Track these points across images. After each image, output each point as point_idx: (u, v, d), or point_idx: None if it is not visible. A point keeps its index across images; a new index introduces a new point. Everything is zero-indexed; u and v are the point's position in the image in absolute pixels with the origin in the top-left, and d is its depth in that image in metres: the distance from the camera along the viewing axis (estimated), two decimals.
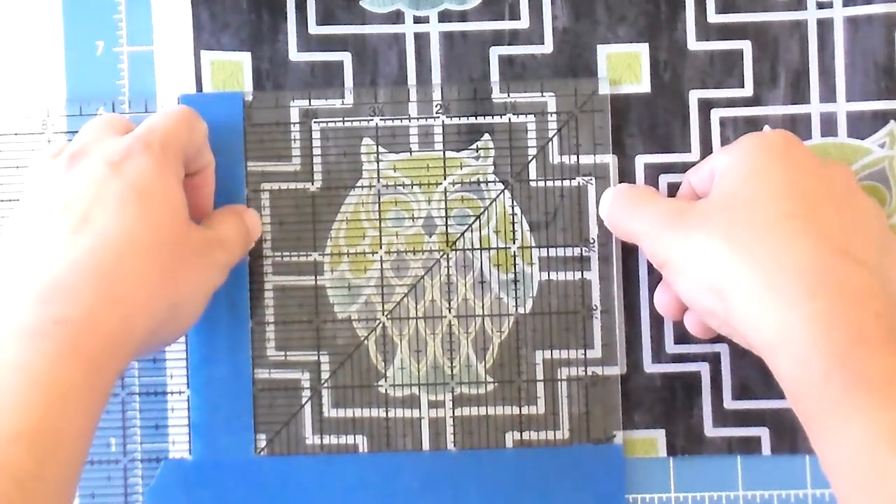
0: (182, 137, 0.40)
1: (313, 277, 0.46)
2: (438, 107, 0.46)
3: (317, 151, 0.46)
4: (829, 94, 0.46)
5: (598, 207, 0.45)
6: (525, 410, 0.45)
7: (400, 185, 0.46)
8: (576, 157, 0.46)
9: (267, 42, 0.46)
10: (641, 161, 0.46)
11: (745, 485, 0.45)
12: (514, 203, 0.46)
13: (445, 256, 0.46)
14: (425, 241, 0.46)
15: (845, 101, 0.46)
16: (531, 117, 0.46)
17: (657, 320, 0.46)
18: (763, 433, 0.45)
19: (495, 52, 0.46)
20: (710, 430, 0.46)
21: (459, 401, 0.46)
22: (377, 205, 0.46)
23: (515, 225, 0.46)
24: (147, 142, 0.39)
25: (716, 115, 0.46)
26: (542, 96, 0.46)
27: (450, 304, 0.46)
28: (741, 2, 0.46)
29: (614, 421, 0.45)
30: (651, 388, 0.46)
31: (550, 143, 0.46)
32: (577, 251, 0.46)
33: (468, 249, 0.46)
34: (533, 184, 0.46)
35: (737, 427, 0.45)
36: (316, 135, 0.46)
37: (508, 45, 0.46)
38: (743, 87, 0.46)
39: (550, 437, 0.45)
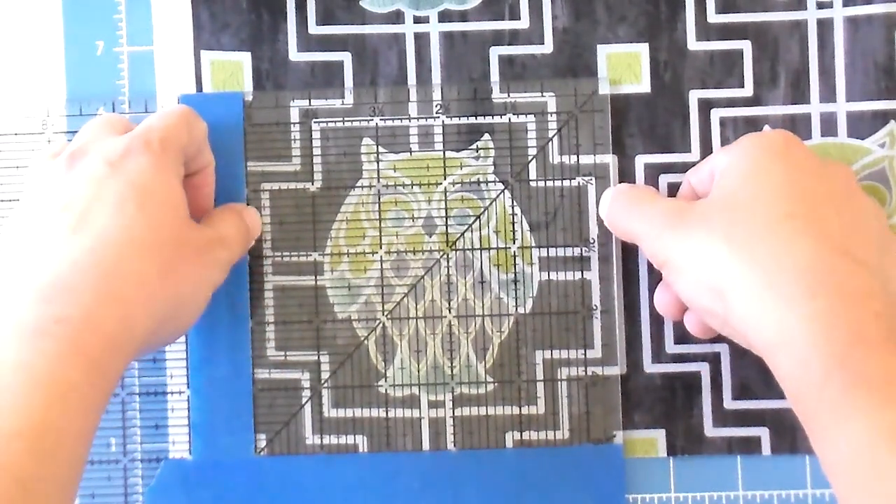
0: (182, 136, 0.40)
1: (313, 277, 0.46)
2: (438, 107, 0.46)
3: (317, 151, 0.46)
4: (829, 94, 0.46)
5: (598, 207, 0.45)
6: (525, 410, 0.45)
7: (400, 185, 0.46)
8: (576, 157, 0.46)
9: (267, 42, 0.46)
10: (641, 161, 0.46)
11: (745, 485, 0.45)
12: (514, 203, 0.46)
13: (445, 256, 0.46)
14: (425, 241, 0.46)
15: (845, 101, 0.46)
16: (531, 117, 0.46)
17: (657, 320, 0.46)
18: (763, 433, 0.45)
19: (495, 52, 0.46)
20: (710, 430, 0.46)
21: (459, 401, 0.46)
22: (377, 205, 0.46)
23: (515, 225, 0.46)
24: (146, 140, 0.39)
25: (716, 115, 0.46)
26: (542, 96, 0.46)
27: (450, 304, 0.46)
28: (741, 2, 0.46)
29: (614, 421, 0.45)
30: (651, 388, 0.46)
31: (550, 143, 0.46)
32: (577, 251, 0.46)
33: (468, 249, 0.46)
34: (533, 184, 0.46)
35: (737, 427, 0.46)
36: (316, 135, 0.46)
37: (508, 45, 0.46)
38: (743, 87, 0.46)
39: (550, 437, 0.45)
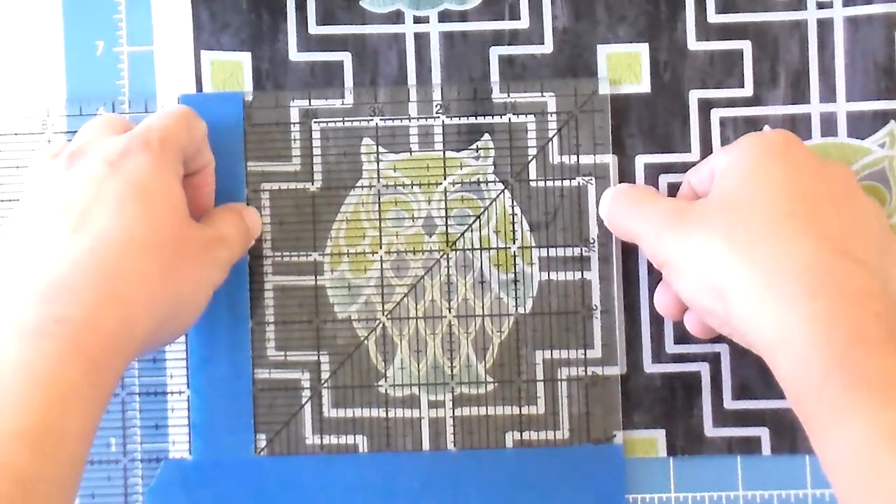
0: (181, 136, 0.40)
1: (313, 277, 0.46)
2: (438, 107, 0.46)
3: (317, 151, 0.46)
4: (829, 94, 0.46)
5: (598, 207, 0.45)
6: (525, 410, 0.45)
7: (400, 185, 0.46)
8: (576, 157, 0.46)
9: (267, 42, 0.46)
10: (641, 161, 0.46)
11: (745, 485, 0.45)
12: (514, 203, 0.46)
13: (445, 256, 0.46)
14: (425, 241, 0.46)
15: (845, 101, 0.46)
16: (531, 117, 0.46)
17: (657, 320, 0.46)
18: (763, 433, 0.45)
19: (495, 52, 0.46)
20: (710, 430, 0.46)
21: (459, 401, 0.46)
22: (377, 205, 0.46)
23: (515, 225, 0.46)
24: (146, 140, 0.39)
25: (716, 115, 0.46)
26: (542, 96, 0.46)
27: (450, 304, 0.46)
28: (741, 2, 0.46)
29: (614, 421, 0.45)
30: (651, 388, 0.46)
31: (550, 143, 0.46)
32: (577, 251, 0.46)
33: (468, 249, 0.46)
34: (533, 184, 0.46)
35: (737, 427, 0.46)
36: (316, 135, 0.46)
37: (508, 45, 0.46)
38: (743, 87, 0.46)
39: (550, 437, 0.45)
